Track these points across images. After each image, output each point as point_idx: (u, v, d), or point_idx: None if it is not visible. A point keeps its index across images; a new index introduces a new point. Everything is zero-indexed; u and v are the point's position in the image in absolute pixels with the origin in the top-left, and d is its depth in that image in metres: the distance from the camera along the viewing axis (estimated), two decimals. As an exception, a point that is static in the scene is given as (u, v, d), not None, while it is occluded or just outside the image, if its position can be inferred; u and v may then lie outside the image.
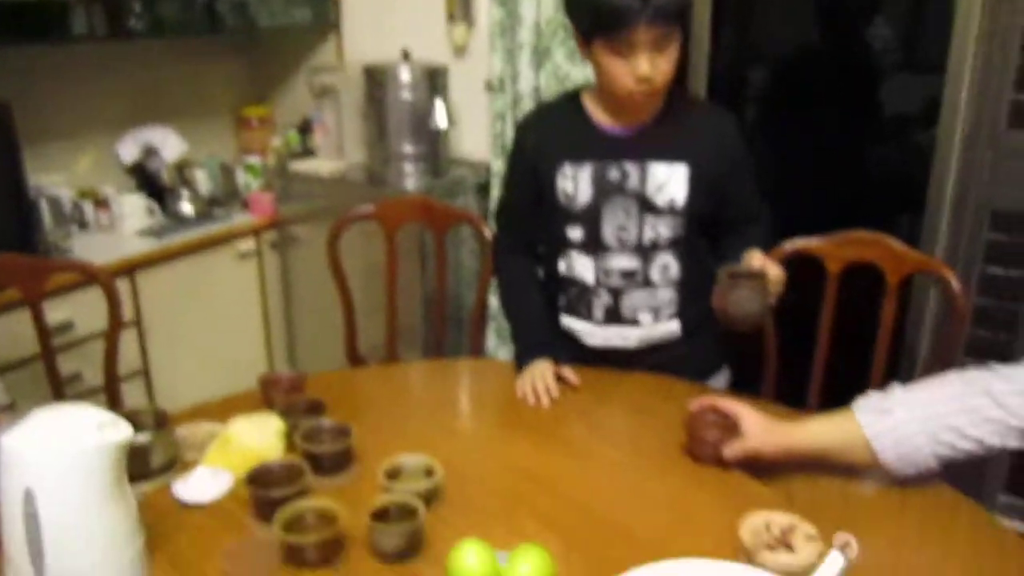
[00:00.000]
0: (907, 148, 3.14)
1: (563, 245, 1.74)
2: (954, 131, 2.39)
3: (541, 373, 1.70)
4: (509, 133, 2.72)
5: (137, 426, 1.23)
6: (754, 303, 1.46)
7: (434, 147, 2.79)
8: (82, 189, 2.87)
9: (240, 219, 3.02)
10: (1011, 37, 2.28)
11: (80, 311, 2.42)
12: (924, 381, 1.33)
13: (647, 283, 1.71)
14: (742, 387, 1.87)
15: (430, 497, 1.29)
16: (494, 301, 2.80)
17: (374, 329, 2.28)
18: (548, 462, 1.46)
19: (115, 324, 1.92)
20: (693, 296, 1.71)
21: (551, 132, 1.75)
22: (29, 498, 1.04)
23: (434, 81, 2.75)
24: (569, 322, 1.79)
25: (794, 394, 1.84)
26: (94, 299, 1.99)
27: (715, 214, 1.71)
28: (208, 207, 3.03)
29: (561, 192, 1.69)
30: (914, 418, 1.28)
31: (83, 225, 2.83)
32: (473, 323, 2.20)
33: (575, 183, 1.67)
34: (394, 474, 1.33)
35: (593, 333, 1.77)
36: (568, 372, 1.72)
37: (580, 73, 2.56)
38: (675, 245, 1.69)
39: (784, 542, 1.13)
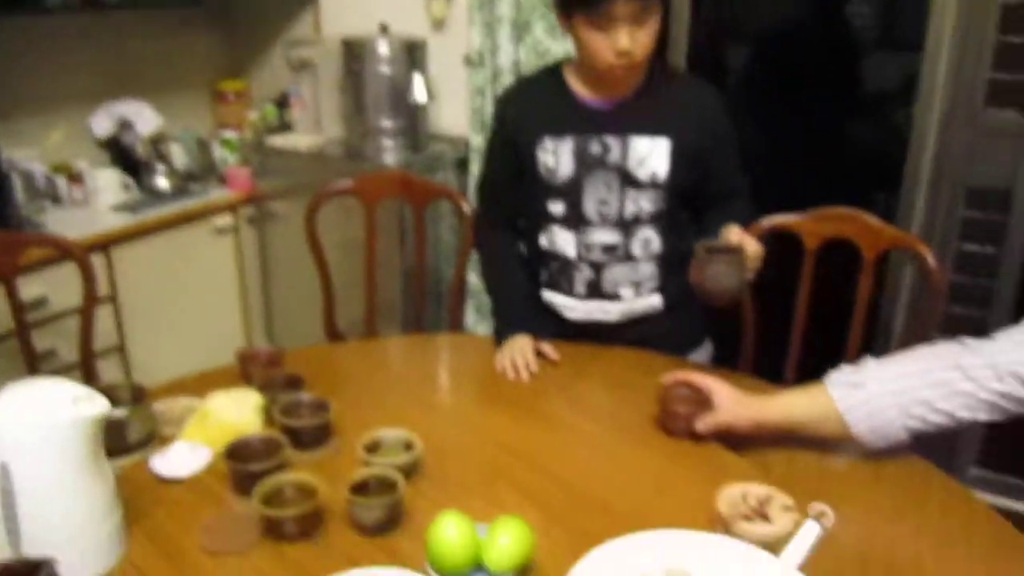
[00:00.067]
0: (885, 125, 3.15)
1: (544, 219, 1.74)
2: (932, 109, 2.40)
3: (521, 348, 1.70)
4: (488, 108, 2.70)
5: (114, 401, 1.22)
6: (731, 278, 1.47)
7: (413, 122, 2.77)
8: (55, 163, 2.83)
9: (217, 194, 2.99)
10: (988, 16, 2.29)
11: (54, 287, 2.40)
12: (896, 355, 1.34)
13: (628, 257, 1.71)
14: (724, 361, 1.89)
15: (409, 471, 1.29)
16: (473, 277, 2.80)
17: (353, 305, 2.27)
18: (527, 436, 1.46)
19: (90, 300, 1.90)
20: (675, 270, 1.72)
21: (532, 106, 1.74)
22: (4, 472, 1.03)
23: (413, 55, 2.72)
24: (550, 296, 1.80)
25: (772, 368, 1.85)
26: (69, 275, 1.97)
27: (697, 188, 1.71)
28: (184, 182, 2.99)
29: (542, 166, 1.69)
30: (886, 391, 1.29)
31: (56, 200, 2.79)
32: (452, 298, 2.20)
33: (556, 157, 1.67)
34: (373, 448, 1.33)
35: (574, 307, 1.77)
36: (547, 348, 1.72)
37: (560, 47, 2.55)
38: (657, 219, 1.69)
39: (760, 512, 1.14)
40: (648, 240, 1.71)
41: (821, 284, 1.91)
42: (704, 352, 1.88)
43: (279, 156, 2.96)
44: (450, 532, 1.07)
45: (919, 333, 1.73)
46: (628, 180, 1.65)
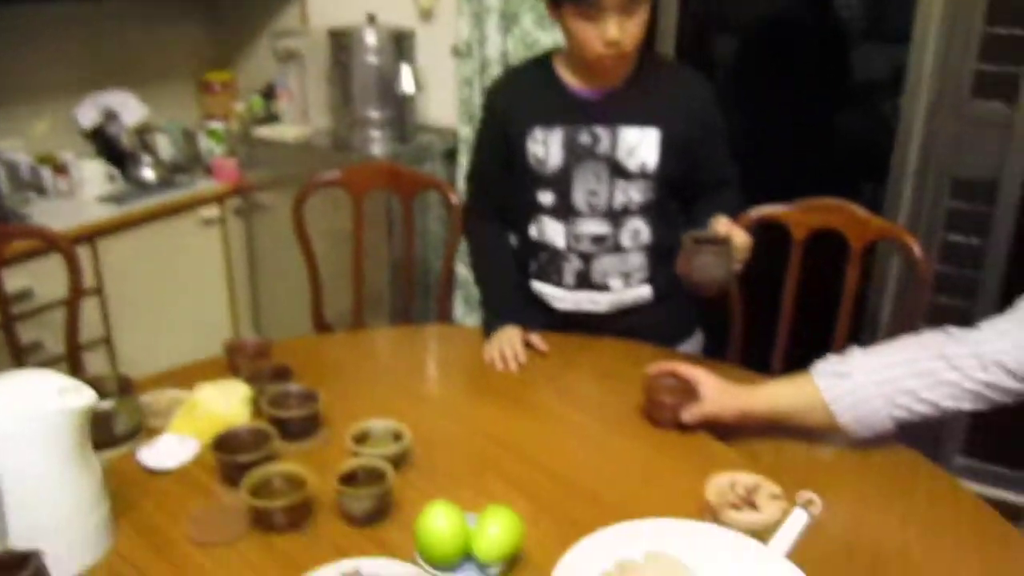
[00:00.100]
0: (872, 116, 3.16)
1: (534, 210, 1.74)
2: (918, 100, 2.41)
3: (509, 339, 1.70)
4: (476, 99, 2.70)
5: (101, 393, 1.21)
6: (718, 269, 1.47)
7: (400, 113, 2.76)
8: (40, 154, 2.80)
9: (204, 185, 2.97)
10: (975, 7, 2.29)
11: (40, 279, 2.38)
12: (882, 344, 1.35)
13: (617, 248, 1.71)
14: (715, 352, 1.89)
15: (398, 461, 1.29)
16: (462, 268, 2.79)
17: (341, 296, 2.26)
18: (516, 427, 1.46)
19: (76, 291, 1.89)
20: (664, 261, 1.71)
21: (522, 96, 1.73)
22: (-10, 464, 1.02)
23: (400, 45, 2.71)
24: (540, 287, 1.79)
25: (760, 358, 1.86)
26: (54, 266, 1.95)
27: (687, 178, 1.71)
28: (170, 173, 2.97)
29: (532, 156, 1.68)
30: (871, 382, 1.30)
31: (41, 191, 2.76)
32: (441, 290, 2.19)
33: (546, 147, 1.66)
34: (362, 438, 1.33)
35: (564, 298, 1.77)
36: (536, 339, 1.72)
37: (548, 38, 2.54)
38: (646, 210, 1.69)
39: (749, 501, 1.15)
40: (637, 231, 1.71)
41: (808, 274, 1.92)
42: (695, 343, 1.88)
43: (266, 147, 2.95)
44: (440, 522, 1.07)
45: (905, 323, 1.74)
46: (617, 171, 1.65)
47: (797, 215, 1.87)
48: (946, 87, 2.37)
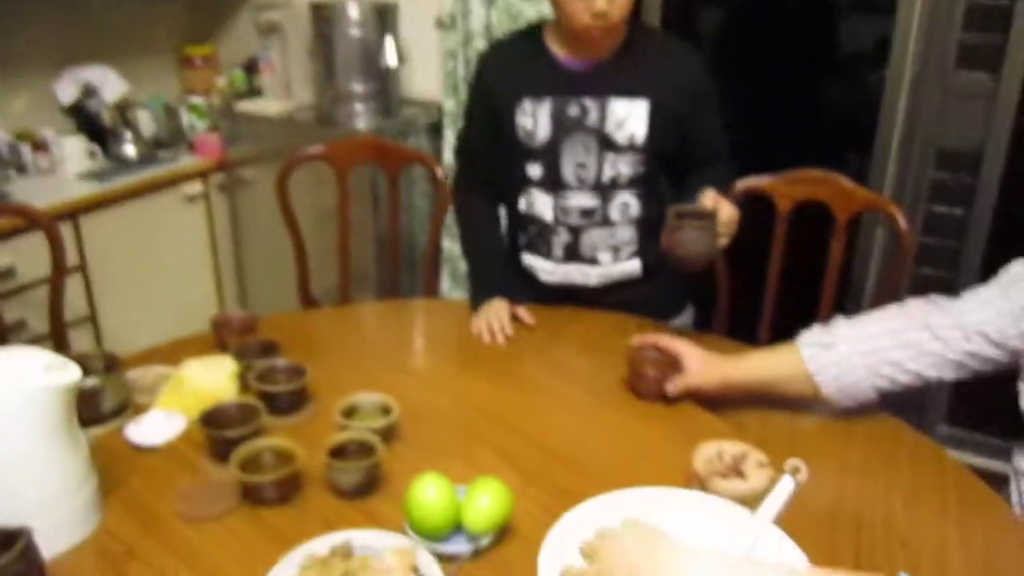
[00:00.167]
0: (858, 87, 3.16)
1: (523, 183, 1.73)
2: (903, 71, 2.41)
3: (496, 312, 1.70)
4: (461, 71, 2.68)
5: (87, 370, 1.21)
6: (701, 244, 1.45)
7: (384, 86, 2.74)
8: (18, 131, 2.76)
9: (186, 161, 2.94)
10: (960, -24, 2.29)
11: (22, 257, 2.36)
12: (866, 314, 1.36)
13: (606, 222, 1.71)
14: (705, 326, 1.90)
15: (387, 435, 1.29)
16: (448, 243, 2.79)
17: (327, 271, 2.25)
18: (504, 399, 1.47)
19: (59, 269, 1.87)
20: (654, 236, 1.69)
21: (510, 68, 1.72)
22: (-24, 441, 1.02)
23: (383, 18, 2.68)
24: (529, 260, 1.79)
25: (747, 329, 1.87)
26: (36, 244, 1.93)
27: (678, 151, 1.69)
28: (152, 149, 2.94)
29: (520, 128, 1.67)
30: (855, 352, 1.31)
31: (21, 169, 2.73)
32: (427, 264, 2.19)
33: (534, 119, 1.65)
34: (350, 412, 1.33)
35: (553, 271, 1.77)
36: (523, 312, 1.72)
37: (532, 9, 2.52)
38: (635, 183, 1.69)
39: (736, 469, 1.15)
40: (626, 204, 1.70)
41: (794, 246, 1.92)
42: (686, 317, 1.88)
43: (249, 122, 2.92)
44: (429, 494, 1.07)
45: (890, 294, 1.75)
46: (606, 143, 1.65)
47: (782, 187, 1.88)
48: (931, 58, 2.37)
